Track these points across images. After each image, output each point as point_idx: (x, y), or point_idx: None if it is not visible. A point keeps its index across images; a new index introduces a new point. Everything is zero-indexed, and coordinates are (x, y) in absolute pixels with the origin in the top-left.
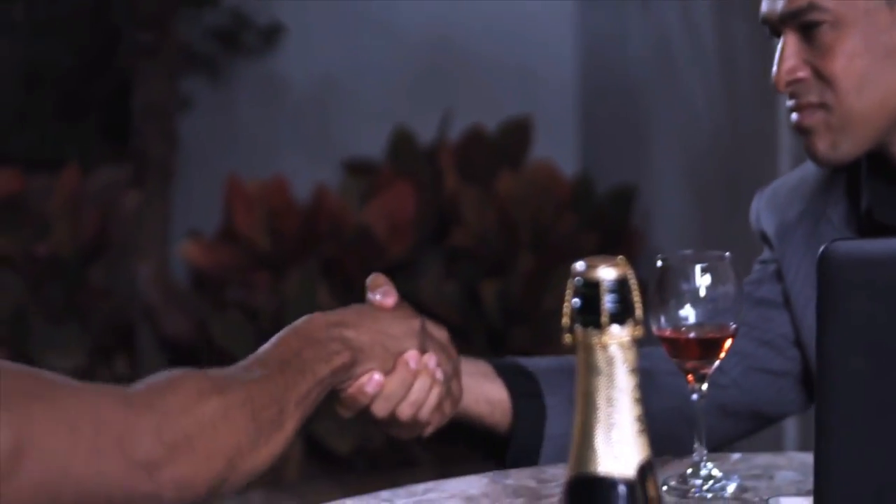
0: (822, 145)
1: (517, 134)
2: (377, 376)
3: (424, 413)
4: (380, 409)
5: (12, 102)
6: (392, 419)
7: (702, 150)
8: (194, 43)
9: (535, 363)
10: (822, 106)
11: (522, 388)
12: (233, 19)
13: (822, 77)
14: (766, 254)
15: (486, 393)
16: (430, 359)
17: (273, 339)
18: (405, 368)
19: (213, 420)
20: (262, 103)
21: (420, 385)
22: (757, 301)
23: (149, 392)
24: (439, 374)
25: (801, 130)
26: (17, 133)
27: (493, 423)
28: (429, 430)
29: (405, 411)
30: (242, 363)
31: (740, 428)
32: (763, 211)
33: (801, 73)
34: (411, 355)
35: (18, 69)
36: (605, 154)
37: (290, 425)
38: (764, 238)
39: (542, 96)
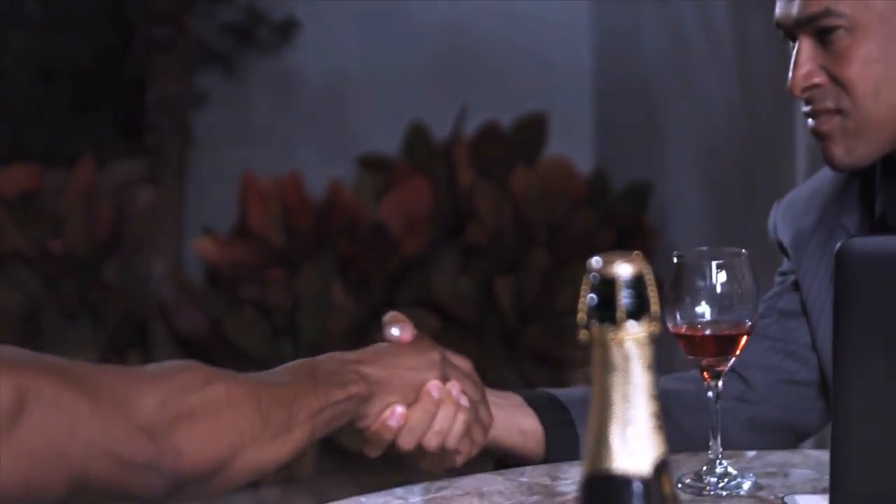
0: (838, 151)
1: (532, 130)
2: (399, 409)
3: (452, 441)
4: (406, 442)
5: (27, 98)
6: (420, 451)
7: (718, 146)
8: (209, 38)
9: (566, 393)
10: (839, 111)
11: (554, 418)
12: (247, 15)
13: (837, 82)
14: (784, 265)
15: (518, 423)
16: (454, 387)
17: (287, 364)
18: (428, 398)
19: (219, 403)
20: (276, 99)
21: (444, 414)
22: (779, 313)
23: (157, 369)
24: (464, 401)
25: (817, 136)
26: (32, 129)
27: (526, 453)
28: (460, 460)
29: (431, 441)
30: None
31: (773, 442)
32: (780, 221)
33: (817, 79)
34: (433, 385)
35: (34, 65)
36: (620, 150)
37: (300, 434)
38: (781, 248)
39: (557, 92)
